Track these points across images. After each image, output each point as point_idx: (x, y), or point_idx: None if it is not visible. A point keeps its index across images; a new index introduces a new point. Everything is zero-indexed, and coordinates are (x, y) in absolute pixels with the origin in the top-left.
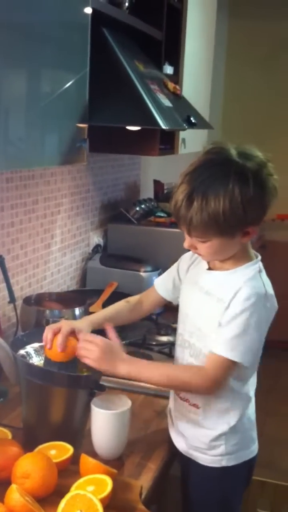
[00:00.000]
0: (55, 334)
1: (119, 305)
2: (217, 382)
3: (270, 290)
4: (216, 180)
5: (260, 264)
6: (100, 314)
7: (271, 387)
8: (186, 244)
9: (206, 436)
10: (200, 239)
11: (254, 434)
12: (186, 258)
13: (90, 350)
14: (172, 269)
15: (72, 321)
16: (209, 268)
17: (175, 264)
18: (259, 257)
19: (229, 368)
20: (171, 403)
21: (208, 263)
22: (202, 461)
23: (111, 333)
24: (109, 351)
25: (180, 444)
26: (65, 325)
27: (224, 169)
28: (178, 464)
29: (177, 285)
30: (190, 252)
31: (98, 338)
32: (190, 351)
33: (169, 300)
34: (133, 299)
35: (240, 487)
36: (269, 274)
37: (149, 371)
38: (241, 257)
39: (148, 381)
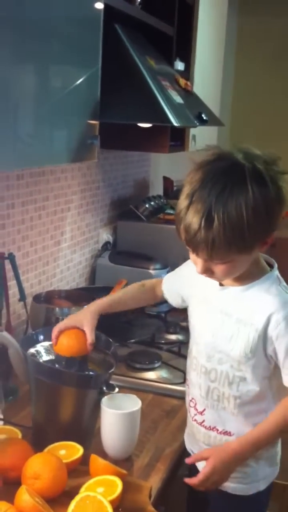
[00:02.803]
0: (61, 331)
1: (132, 287)
2: None
3: None
4: (233, 189)
5: (278, 273)
6: (106, 298)
7: None
8: (201, 270)
9: (243, 464)
10: (221, 260)
11: (279, 448)
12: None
13: (217, 482)
14: (181, 276)
15: (76, 316)
16: (220, 284)
17: (184, 270)
18: (275, 266)
19: None
20: (188, 431)
21: None
22: (233, 490)
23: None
24: (218, 467)
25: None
26: (66, 321)
27: (237, 175)
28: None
29: (184, 295)
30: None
31: (208, 469)
32: (211, 376)
33: (173, 305)
34: (149, 282)
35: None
36: (280, 273)
37: (262, 433)
38: (255, 269)
39: (267, 444)
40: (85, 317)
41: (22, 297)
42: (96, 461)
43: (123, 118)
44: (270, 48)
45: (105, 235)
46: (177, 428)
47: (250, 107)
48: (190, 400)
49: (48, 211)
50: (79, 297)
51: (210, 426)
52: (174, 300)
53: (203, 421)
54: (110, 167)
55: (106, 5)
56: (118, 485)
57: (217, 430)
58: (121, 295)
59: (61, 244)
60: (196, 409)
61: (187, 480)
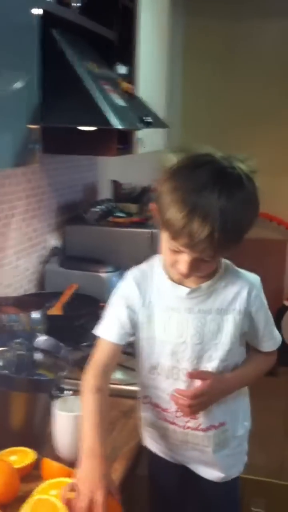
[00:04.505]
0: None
1: (99, 406)
2: None
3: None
4: (234, 191)
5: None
6: (97, 441)
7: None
8: (189, 269)
9: (237, 446)
10: (217, 258)
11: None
12: (131, 291)
13: (203, 403)
14: (117, 310)
15: (99, 484)
16: (178, 284)
17: (118, 304)
18: None
19: None
20: (171, 442)
21: (171, 278)
22: (237, 473)
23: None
24: (215, 387)
25: (213, 475)
26: (100, 494)
27: (231, 177)
28: (144, 464)
29: (134, 323)
30: (133, 284)
31: (198, 390)
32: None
33: (124, 345)
34: (101, 381)
35: None
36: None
37: (243, 377)
38: None
39: (243, 386)
40: (107, 479)
41: None
42: (48, 464)
43: (64, 122)
44: (218, 48)
45: (53, 241)
46: (134, 426)
47: (200, 108)
48: (176, 411)
49: None
50: (28, 303)
51: (207, 427)
52: (125, 339)
53: (199, 425)
54: (56, 171)
55: (43, 11)
56: None
57: (215, 426)
58: (102, 420)
59: (7, 250)
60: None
61: (179, 390)
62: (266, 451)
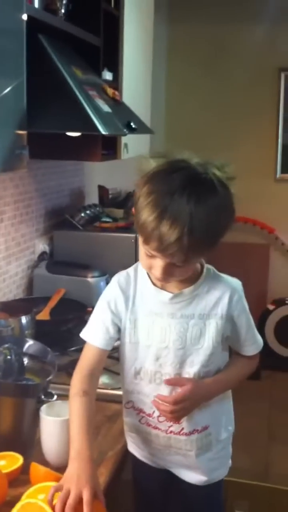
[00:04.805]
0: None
1: (86, 410)
2: None
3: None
4: (206, 197)
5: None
6: (84, 444)
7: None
8: (163, 273)
9: (220, 450)
10: (189, 263)
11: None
12: (116, 296)
13: (185, 409)
14: (102, 315)
15: (85, 483)
16: (161, 289)
17: (103, 308)
18: (203, 260)
19: None
20: (161, 448)
21: (153, 283)
22: (221, 476)
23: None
24: (195, 392)
25: (195, 478)
26: (87, 492)
27: (204, 183)
28: (129, 468)
29: (119, 327)
30: (117, 289)
31: (179, 396)
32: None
33: (109, 350)
34: (88, 385)
35: None
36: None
37: (224, 382)
38: (196, 268)
39: (224, 390)
40: (92, 480)
41: None
42: (36, 468)
43: (50, 127)
44: (201, 55)
45: (42, 245)
46: (119, 431)
47: (183, 113)
48: (159, 416)
49: None
50: (16, 308)
51: (190, 431)
52: (111, 344)
53: (182, 429)
54: (43, 177)
55: (29, 17)
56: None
57: (197, 430)
58: (88, 423)
59: None
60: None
61: (160, 396)
62: (250, 454)
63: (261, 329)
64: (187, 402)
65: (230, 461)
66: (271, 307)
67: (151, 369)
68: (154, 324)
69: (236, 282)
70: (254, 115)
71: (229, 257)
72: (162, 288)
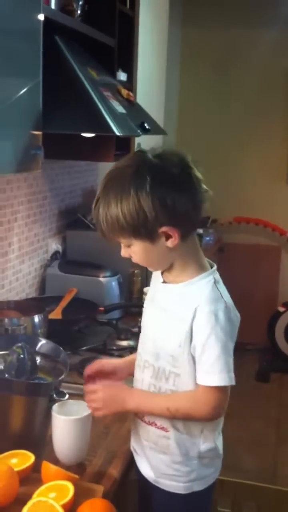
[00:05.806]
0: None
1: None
2: (219, 409)
3: (230, 300)
4: (115, 183)
5: (216, 275)
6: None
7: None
8: (122, 252)
9: (177, 462)
10: (124, 242)
11: (221, 451)
12: (154, 274)
13: (95, 400)
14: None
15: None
16: (164, 282)
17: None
18: (215, 267)
19: (224, 392)
20: (133, 427)
21: (162, 275)
22: (172, 488)
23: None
24: (112, 393)
25: (146, 471)
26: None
27: (125, 172)
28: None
29: None
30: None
31: (97, 385)
32: (150, 373)
33: None
34: None
35: (208, 510)
36: (227, 276)
37: (153, 403)
38: (194, 268)
39: (151, 413)
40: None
41: None
42: (47, 467)
43: (65, 128)
44: (214, 58)
45: (54, 245)
46: (128, 431)
47: (195, 115)
48: None
49: None
50: (29, 307)
51: (149, 421)
52: None
53: (144, 415)
54: (57, 177)
55: (46, 18)
56: (70, 490)
57: (155, 424)
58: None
59: (9, 255)
60: None
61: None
62: (258, 456)
63: (271, 331)
64: (98, 394)
65: (194, 485)
66: (281, 309)
67: (138, 351)
68: (146, 308)
69: (216, 301)
70: (265, 118)
71: (240, 258)
72: (165, 280)
